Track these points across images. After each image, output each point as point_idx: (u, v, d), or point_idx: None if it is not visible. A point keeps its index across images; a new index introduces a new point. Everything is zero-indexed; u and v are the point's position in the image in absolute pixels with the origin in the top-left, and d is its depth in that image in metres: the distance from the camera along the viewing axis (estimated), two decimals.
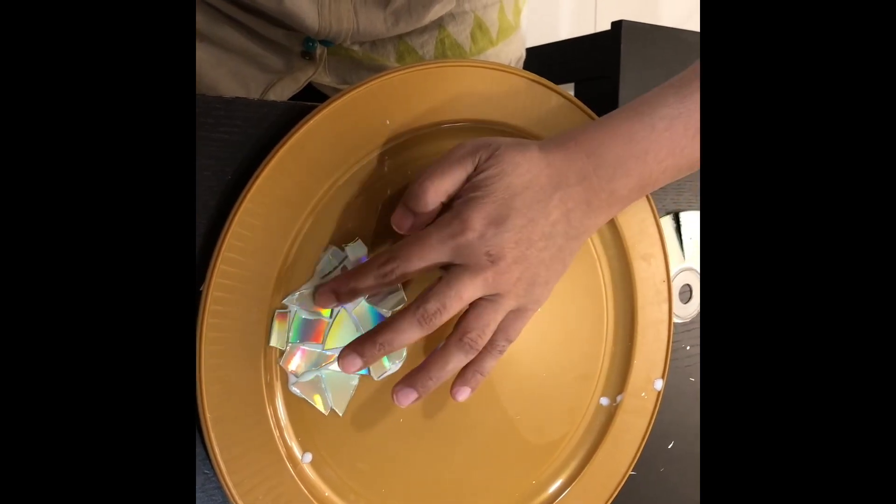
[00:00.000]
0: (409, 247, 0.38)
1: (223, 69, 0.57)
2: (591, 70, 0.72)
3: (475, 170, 0.40)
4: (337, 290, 0.40)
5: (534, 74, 0.47)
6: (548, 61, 0.82)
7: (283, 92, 0.59)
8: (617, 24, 0.65)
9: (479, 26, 0.65)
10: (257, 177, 0.40)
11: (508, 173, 0.39)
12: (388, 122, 0.43)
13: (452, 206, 0.40)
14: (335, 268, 0.42)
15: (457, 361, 0.40)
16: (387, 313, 0.44)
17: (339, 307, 0.43)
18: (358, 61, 0.61)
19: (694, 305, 0.58)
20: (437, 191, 0.40)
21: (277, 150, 0.40)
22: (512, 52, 0.69)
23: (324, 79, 0.61)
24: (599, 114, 0.46)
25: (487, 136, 0.43)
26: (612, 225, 0.50)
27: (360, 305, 0.43)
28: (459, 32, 0.64)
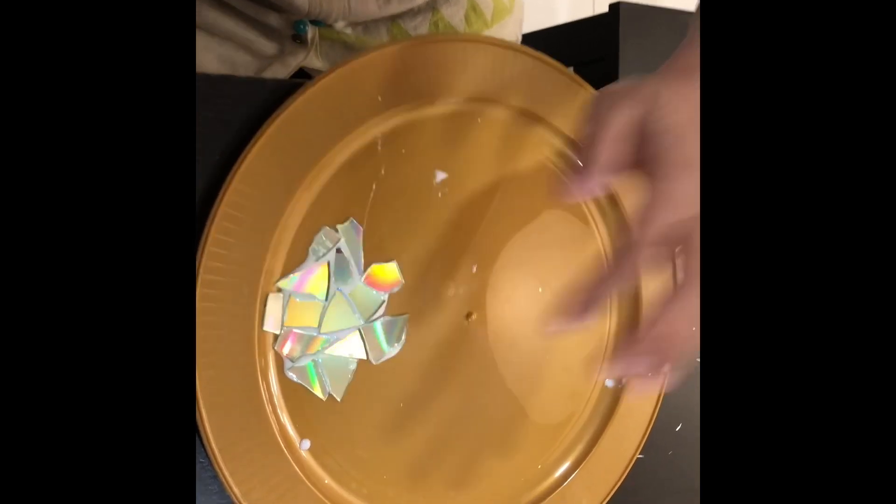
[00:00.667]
0: None
1: (212, 55, 0.56)
2: (590, 53, 0.71)
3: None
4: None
5: (526, 47, 0.46)
6: (546, 44, 0.81)
7: (273, 77, 0.58)
8: (615, 7, 0.65)
9: (474, 8, 0.64)
10: (245, 156, 0.39)
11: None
12: (380, 98, 0.42)
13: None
14: (329, 249, 0.41)
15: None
16: (384, 297, 0.43)
17: (337, 289, 0.42)
18: (350, 45, 0.60)
19: None
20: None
21: (266, 129, 0.39)
22: (507, 34, 0.68)
23: (315, 63, 0.60)
24: None
25: (480, 110, 0.42)
26: (612, 199, 0.49)
27: (357, 287, 0.42)
28: (453, 14, 0.63)
